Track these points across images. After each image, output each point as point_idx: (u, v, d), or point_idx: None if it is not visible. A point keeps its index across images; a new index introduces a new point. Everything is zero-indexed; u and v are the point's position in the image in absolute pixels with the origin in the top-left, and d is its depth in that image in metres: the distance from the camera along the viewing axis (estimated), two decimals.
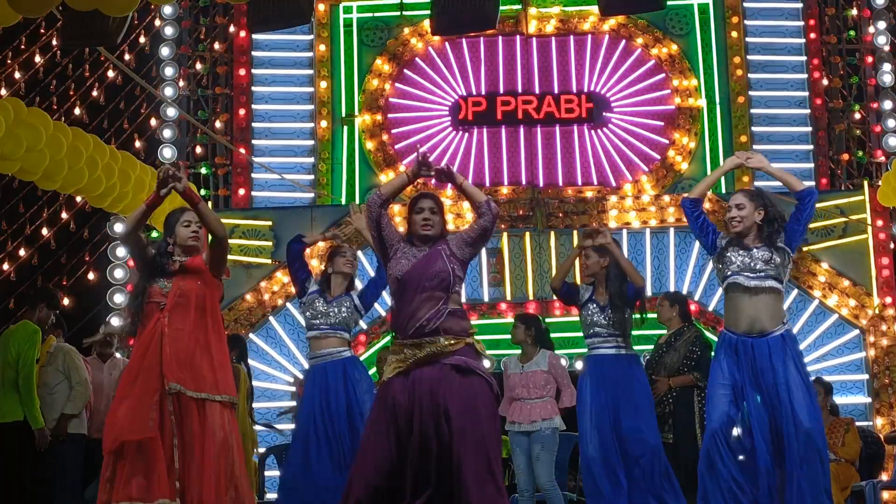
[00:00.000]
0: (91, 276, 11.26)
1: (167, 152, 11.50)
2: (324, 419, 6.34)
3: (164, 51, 11.83)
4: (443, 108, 12.07)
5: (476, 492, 4.45)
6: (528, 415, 7.37)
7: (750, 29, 12.27)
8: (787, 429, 5.27)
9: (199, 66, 12.07)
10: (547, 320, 9.39)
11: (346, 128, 12.00)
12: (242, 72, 12.03)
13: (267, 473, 9.54)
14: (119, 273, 10.95)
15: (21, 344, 7.15)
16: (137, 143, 11.49)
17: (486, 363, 6.80)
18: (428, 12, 7.66)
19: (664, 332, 7.64)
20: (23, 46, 10.84)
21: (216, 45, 12.17)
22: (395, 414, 4.61)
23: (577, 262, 7.42)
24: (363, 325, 10.52)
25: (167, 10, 11.96)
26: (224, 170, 11.93)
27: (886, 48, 12.02)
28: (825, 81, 12.14)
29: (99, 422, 7.44)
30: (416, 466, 4.54)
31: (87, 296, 11.40)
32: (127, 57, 11.36)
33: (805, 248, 10.91)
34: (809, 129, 12.03)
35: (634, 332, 6.71)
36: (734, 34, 12.15)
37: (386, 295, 6.08)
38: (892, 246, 11.21)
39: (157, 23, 11.90)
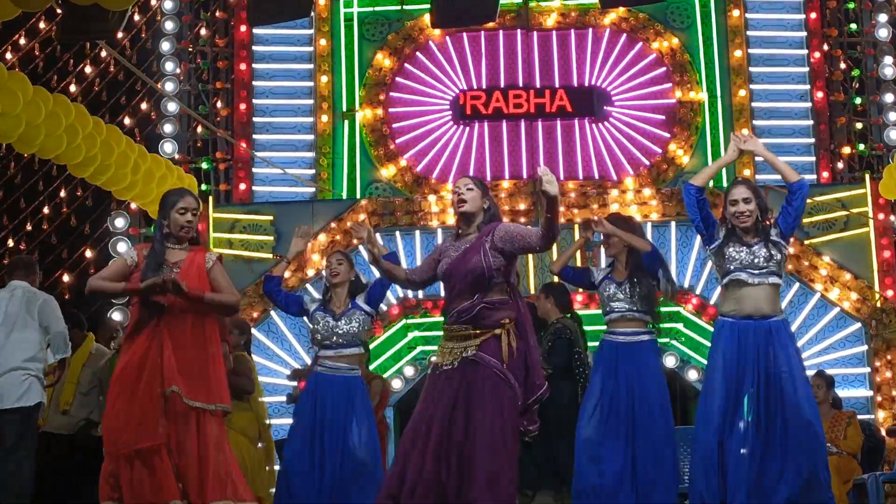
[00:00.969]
0: (92, 270, 11.26)
1: (168, 147, 11.50)
2: (321, 428, 6.23)
3: (165, 46, 11.83)
4: (444, 102, 12.06)
5: (482, 490, 4.52)
6: None
7: (751, 22, 12.26)
8: (786, 414, 5.23)
9: (199, 61, 12.06)
10: None
11: (346, 122, 11.99)
12: (243, 66, 12.03)
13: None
14: None
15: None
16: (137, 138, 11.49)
17: None
18: (428, 6, 7.66)
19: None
20: (22, 41, 10.83)
21: (216, 40, 12.16)
22: (433, 401, 4.76)
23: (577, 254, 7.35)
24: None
25: (168, 4, 11.98)
26: (224, 164, 11.92)
27: (888, 41, 12.01)
28: (826, 74, 12.12)
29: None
30: (436, 452, 4.64)
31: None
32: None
33: (807, 242, 10.90)
34: (811, 122, 12.02)
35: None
36: (735, 27, 12.13)
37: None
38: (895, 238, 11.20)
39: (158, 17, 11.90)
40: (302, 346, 10.65)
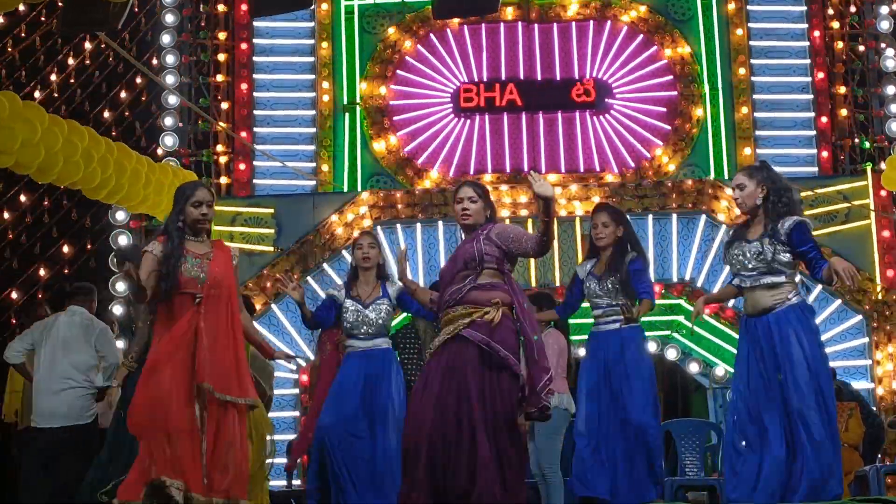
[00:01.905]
0: (92, 263, 11.26)
1: (168, 140, 11.49)
2: (366, 392, 6.19)
3: (165, 38, 11.80)
4: (444, 95, 12.04)
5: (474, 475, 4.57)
6: None
7: (752, 14, 12.24)
8: (785, 408, 5.20)
9: (200, 54, 12.05)
10: None
11: (347, 115, 11.98)
12: (244, 59, 12.01)
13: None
14: None
15: None
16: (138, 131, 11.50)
17: None
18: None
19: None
20: (23, 34, 10.82)
21: (217, 33, 12.14)
22: (430, 381, 4.81)
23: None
24: None
25: None
26: (226, 156, 11.89)
27: (889, 33, 11.99)
28: (828, 67, 12.10)
29: None
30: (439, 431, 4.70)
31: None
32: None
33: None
34: (812, 114, 12.00)
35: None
36: (736, 20, 12.12)
37: None
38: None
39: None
40: (303, 340, 10.65)
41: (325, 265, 10.90)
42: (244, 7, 11.95)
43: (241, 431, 5.11)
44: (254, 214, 11.11)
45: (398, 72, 12.08)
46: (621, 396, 6.08)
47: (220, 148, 11.91)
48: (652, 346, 10.80)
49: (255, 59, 12.09)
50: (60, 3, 7.29)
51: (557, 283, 10.88)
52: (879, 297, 10.85)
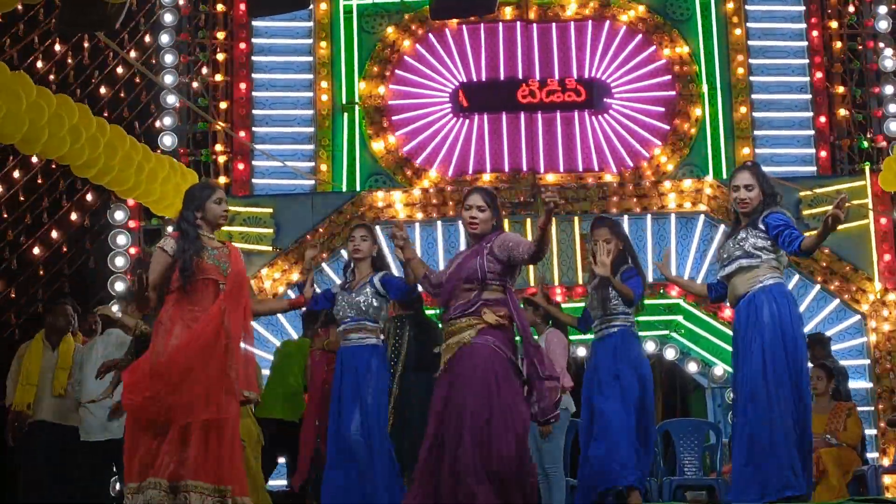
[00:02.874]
0: (91, 264, 11.26)
1: (167, 140, 11.48)
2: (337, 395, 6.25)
3: (164, 38, 11.80)
4: (443, 94, 12.04)
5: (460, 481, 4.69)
6: None
7: (751, 14, 12.23)
8: (752, 391, 5.25)
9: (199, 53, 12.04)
10: None
11: (346, 115, 11.97)
12: (242, 59, 12.01)
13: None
14: (120, 261, 10.93)
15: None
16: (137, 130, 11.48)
17: None
18: None
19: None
20: (21, 33, 10.80)
21: (216, 33, 12.13)
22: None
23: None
24: None
25: None
26: (225, 155, 11.87)
27: (888, 33, 11.99)
28: (826, 66, 12.10)
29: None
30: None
31: (87, 284, 11.41)
32: (133, 53, 11.33)
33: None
34: (811, 114, 12.00)
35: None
36: (734, 20, 12.11)
37: None
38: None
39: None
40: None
41: (324, 265, 10.90)
42: (242, 7, 11.94)
43: (236, 418, 5.13)
44: (252, 214, 11.11)
45: (397, 71, 12.08)
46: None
47: (218, 147, 11.89)
48: (650, 346, 10.82)
49: (253, 58, 12.08)
50: (58, 3, 7.26)
51: (556, 283, 10.89)
52: (878, 296, 10.86)
